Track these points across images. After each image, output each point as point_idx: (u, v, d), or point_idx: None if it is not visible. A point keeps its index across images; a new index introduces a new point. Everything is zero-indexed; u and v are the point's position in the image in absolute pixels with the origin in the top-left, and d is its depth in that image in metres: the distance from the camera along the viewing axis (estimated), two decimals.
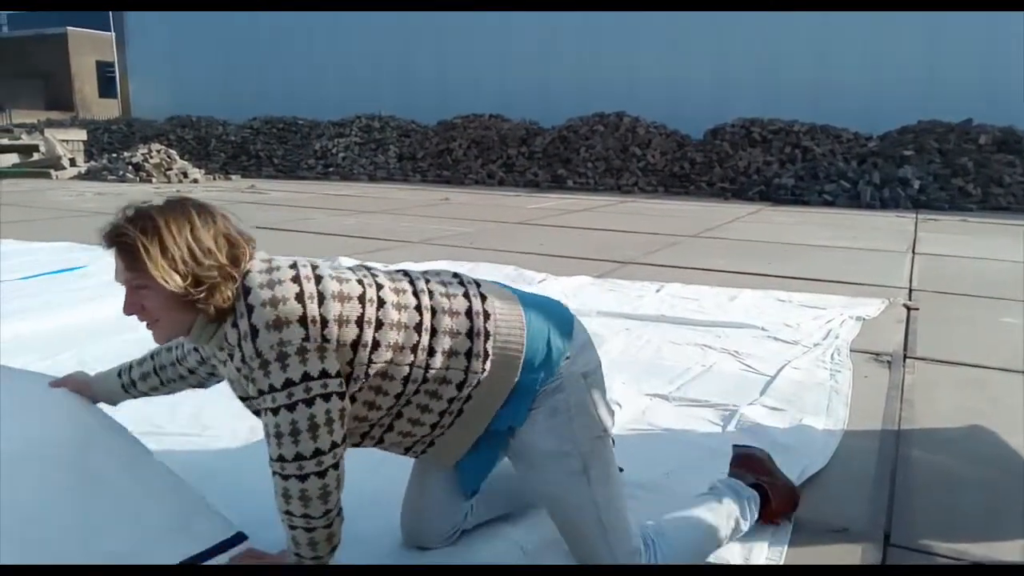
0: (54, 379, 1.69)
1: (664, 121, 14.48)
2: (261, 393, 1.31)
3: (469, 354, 1.43)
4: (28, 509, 1.39)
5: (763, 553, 1.68)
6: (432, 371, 1.41)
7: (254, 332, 1.28)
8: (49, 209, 8.36)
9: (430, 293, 1.45)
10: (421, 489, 1.66)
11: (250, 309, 1.30)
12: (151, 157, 13.31)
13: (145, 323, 1.37)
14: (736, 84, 15.25)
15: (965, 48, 13.79)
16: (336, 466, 1.35)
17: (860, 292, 4.51)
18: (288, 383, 1.28)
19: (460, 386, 1.44)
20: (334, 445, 1.33)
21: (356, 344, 1.33)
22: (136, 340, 3.09)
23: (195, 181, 13.09)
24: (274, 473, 1.34)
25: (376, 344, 1.35)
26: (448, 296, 1.46)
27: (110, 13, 24.20)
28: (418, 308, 1.41)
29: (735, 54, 15.43)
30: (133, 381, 1.67)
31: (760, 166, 12.81)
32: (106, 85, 31.32)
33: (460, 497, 1.64)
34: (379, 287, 1.40)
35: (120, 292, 1.35)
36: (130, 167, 13.00)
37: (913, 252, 6.34)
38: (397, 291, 1.41)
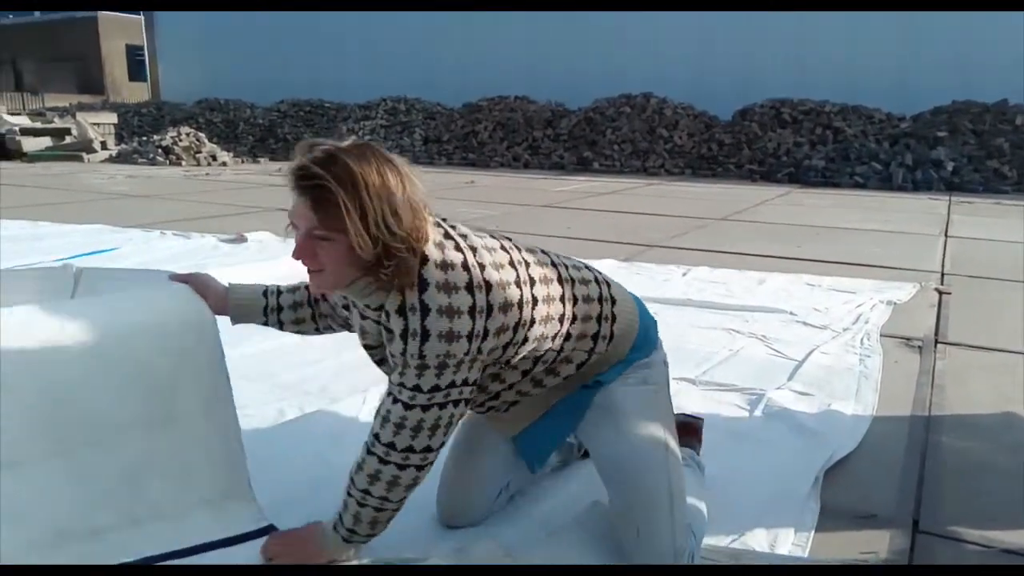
0: (173, 274, 1.62)
1: (691, 102, 14.31)
2: (403, 386, 1.32)
3: (596, 336, 1.48)
4: (98, 411, 1.38)
5: (789, 539, 1.67)
6: (563, 353, 1.46)
7: (424, 336, 1.28)
8: (81, 192, 8.49)
9: (572, 282, 1.47)
10: (471, 463, 1.66)
11: (425, 309, 1.28)
12: (180, 140, 13.44)
13: (307, 268, 1.34)
14: (766, 64, 15.01)
15: (1000, 27, 13.44)
16: (432, 463, 1.40)
17: (891, 276, 4.45)
18: (435, 388, 1.32)
19: (580, 365, 1.49)
20: (441, 445, 1.39)
21: (507, 345, 1.37)
22: None
23: (224, 164, 13.21)
24: (372, 454, 1.37)
25: (524, 341, 1.39)
26: (585, 283, 1.50)
27: None
28: (562, 298, 1.44)
29: (764, 34, 15.17)
30: (280, 306, 1.62)
31: (790, 147, 12.63)
32: (136, 68, 31.61)
33: (507, 471, 1.66)
34: (532, 283, 1.40)
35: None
36: (160, 150, 13.14)
37: (946, 235, 6.23)
38: (546, 282, 1.43)
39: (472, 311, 1.29)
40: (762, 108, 13.63)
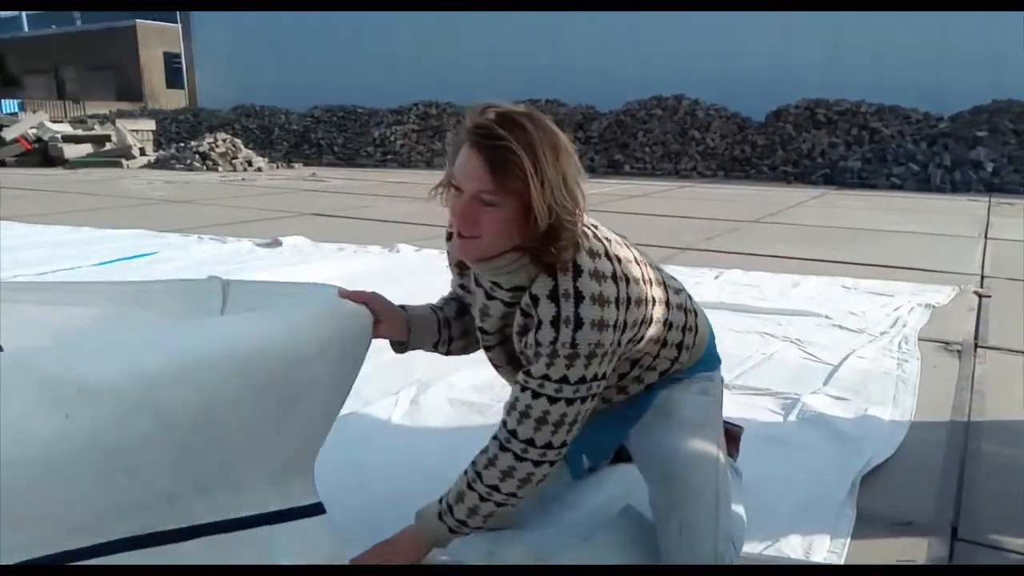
0: (344, 290, 1.46)
1: (724, 103, 14.20)
2: (547, 378, 1.28)
3: (680, 345, 1.48)
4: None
5: (824, 546, 1.65)
6: (656, 359, 1.46)
7: (578, 324, 1.25)
8: (121, 197, 8.67)
9: (670, 289, 1.48)
10: None
11: (579, 296, 1.25)
12: (217, 146, 13.67)
13: (460, 233, 1.28)
14: (799, 65, 14.84)
15: None
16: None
17: (929, 279, 4.37)
18: (581, 380, 1.29)
19: (663, 373, 1.49)
20: (572, 440, 1.36)
21: (630, 341, 1.36)
22: None
23: (259, 170, 13.40)
24: (507, 450, 1.34)
25: (640, 340, 1.39)
26: (677, 291, 1.50)
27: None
28: (666, 303, 1.44)
29: (797, 34, 15.00)
30: (448, 320, 1.55)
31: (825, 149, 12.48)
32: (173, 76, 32.22)
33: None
34: (651, 283, 1.40)
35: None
36: (197, 156, 13.38)
37: (985, 237, 6.10)
38: (659, 284, 1.43)
39: (617, 302, 1.28)
40: (796, 109, 13.48)
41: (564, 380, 1.28)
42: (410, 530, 1.47)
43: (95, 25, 35.82)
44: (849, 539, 1.68)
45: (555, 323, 1.25)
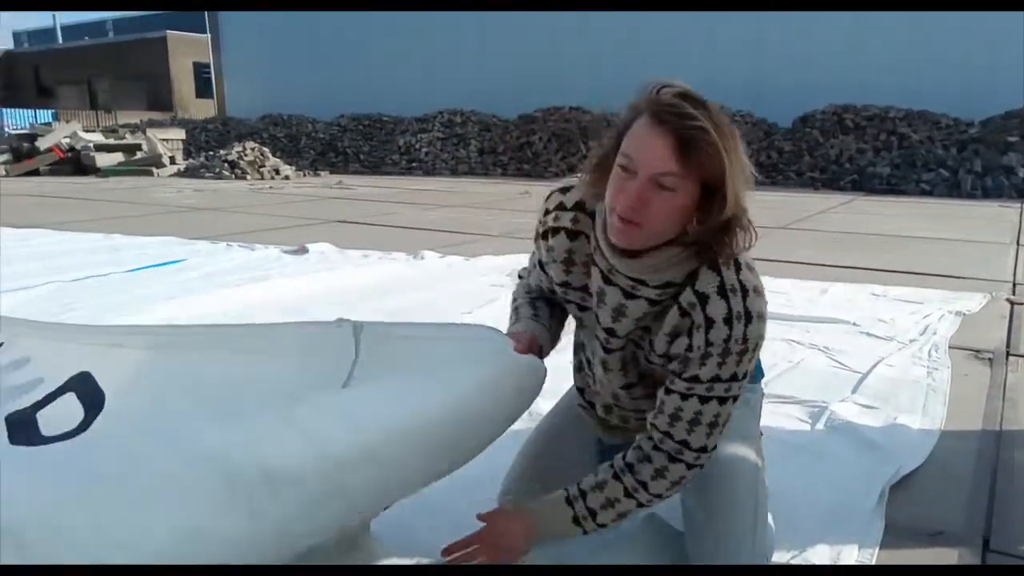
0: (513, 334, 1.42)
1: (750, 109, 14.11)
2: (718, 379, 1.24)
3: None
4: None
5: (852, 556, 1.63)
6: None
7: (748, 317, 1.21)
8: (151, 205, 8.81)
9: None
10: (551, 468, 1.58)
11: (744, 290, 1.21)
12: (245, 155, 13.85)
13: (626, 220, 1.16)
14: (826, 70, 14.68)
15: None
16: None
17: (960, 286, 4.31)
18: (744, 376, 1.26)
19: None
20: None
21: None
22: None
23: (286, 178, 13.55)
24: (679, 461, 1.30)
25: None
26: None
27: (205, 14, 25.21)
28: None
29: (823, 38, 14.85)
30: (554, 329, 1.49)
31: (853, 154, 12.34)
32: (203, 86, 32.74)
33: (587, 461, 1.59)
34: None
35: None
36: (226, 164, 13.56)
37: (1017, 244, 5.99)
38: None
39: (760, 291, 1.25)
40: (823, 114, 13.35)
41: (733, 378, 1.25)
42: (519, 515, 1.39)
43: (127, 36, 36.54)
44: (878, 549, 1.66)
45: (728, 320, 1.20)
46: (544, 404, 2.36)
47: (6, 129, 22.01)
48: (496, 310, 3.69)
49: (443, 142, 15.95)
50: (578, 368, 1.56)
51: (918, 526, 1.76)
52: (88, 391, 1.33)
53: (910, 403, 2.52)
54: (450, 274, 4.60)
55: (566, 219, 1.37)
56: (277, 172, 13.74)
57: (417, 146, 15.97)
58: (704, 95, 1.16)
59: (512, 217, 7.69)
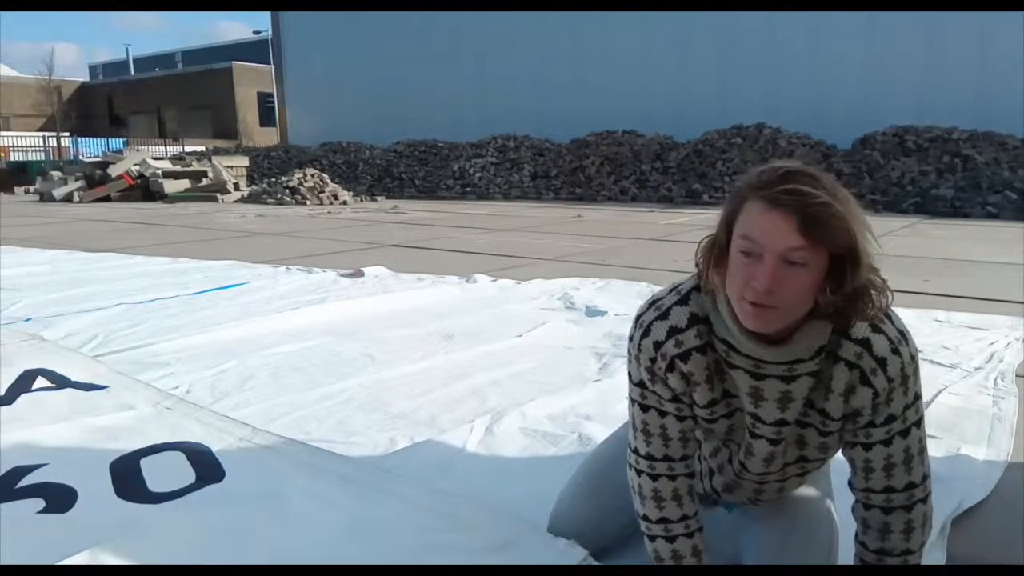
0: None
1: (807, 131, 13.91)
2: (906, 408, 1.25)
3: None
4: None
5: None
6: None
7: (905, 337, 1.24)
8: (215, 230, 9.11)
9: None
10: (609, 477, 1.59)
11: (888, 316, 1.25)
12: (306, 181, 14.22)
13: (761, 304, 1.12)
14: (886, 91, 14.40)
15: None
16: None
17: None
18: (917, 397, 1.27)
19: None
20: None
21: None
22: (294, 352, 3.32)
23: (344, 203, 13.86)
24: (918, 503, 1.29)
25: None
26: None
27: (269, 48, 26.08)
28: None
29: (883, 60, 14.58)
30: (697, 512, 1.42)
31: (915, 176, 12.02)
32: (266, 114, 33.82)
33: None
34: None
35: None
36: (287, 190, 13.94)
37: None
38: None
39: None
40: (884, 136, 13.06)
41: (917, 397, 1.26)
42: None
43: (195, 67, 38.01)
44: None
45: (895, 350, 1.22)
46: (591, 426, 2.38)
47: (80, 157, 23.06)
48: (546, 333, 3.70)
49: (496, 167, 16.12)
50: (707, 474, 1.49)
51: (981, 560, 1.70)
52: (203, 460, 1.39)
53: (975, 433, 2.43)
54: (502, 297, 4.63)
55: (690, 338, 1.27)
56: (336, 197, 14.06)
57: (471, 171, 16.16)
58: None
59: (564, 240, 7.71)
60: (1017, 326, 3.79)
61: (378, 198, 15.30)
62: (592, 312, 4.14)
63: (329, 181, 14.77)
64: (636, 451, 1.38)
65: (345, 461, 2.15)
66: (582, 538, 1.61)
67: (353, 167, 18.18)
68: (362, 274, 5.34)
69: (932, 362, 3.22)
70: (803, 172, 1.12)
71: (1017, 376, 3.02)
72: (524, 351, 3.37)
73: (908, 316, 4.03)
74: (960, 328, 3.80)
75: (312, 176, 14.49)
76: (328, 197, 13.97)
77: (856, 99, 14.64)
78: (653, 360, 1.30)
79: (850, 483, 1.34)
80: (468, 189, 15.74)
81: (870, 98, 14.48)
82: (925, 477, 1.28)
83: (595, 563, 1.57)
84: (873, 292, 1.17)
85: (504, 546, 1.63)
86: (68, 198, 14.87)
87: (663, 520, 1.36)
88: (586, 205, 13.10)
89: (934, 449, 2.29)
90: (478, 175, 15.98)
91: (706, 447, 1.47)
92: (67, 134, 29.09)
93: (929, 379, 2.96)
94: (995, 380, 2.95)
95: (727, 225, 1.17)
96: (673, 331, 1.27)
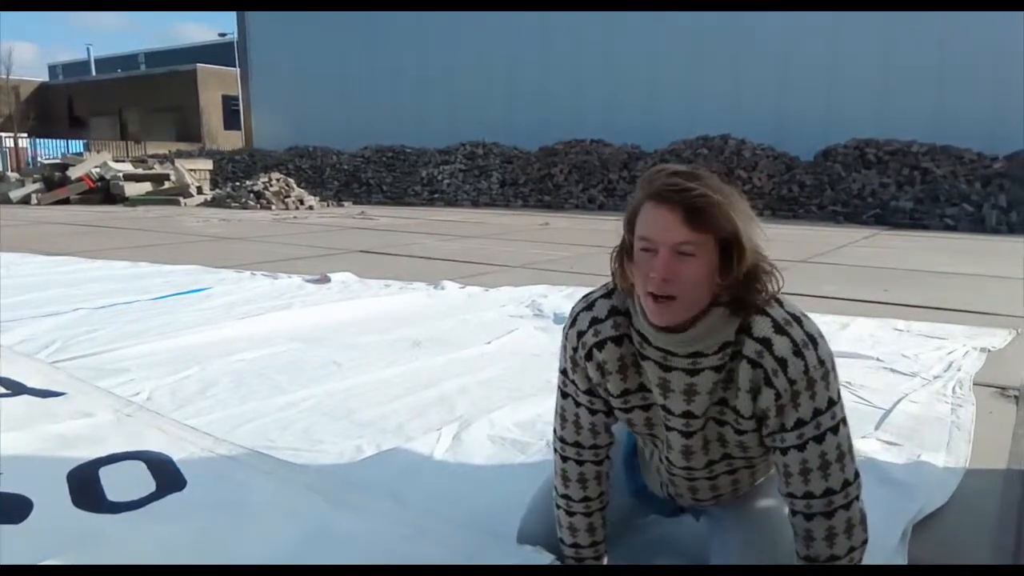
0: None
1: (772, 143, 14.14)
2: (818, 413, 1.26)
3: None
4: None
5: None
6: None
7: (813, 341, 1.25)
8: (178, 234, 8.96)
9: None
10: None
11: (796, 318, 1.27)
12: (271, 185, 14.06)
13: (660, 297, 1.21)
14: (848, 104, 14.71)
15: None
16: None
17: (985, 322, 4.25)
18: (839, 395, 1.29)
19: None
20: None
21: None
22: (258, 358, 3.27)
23: (310, 208, 13.72)
24: (844, 507, 1.30)
25: None
26: None
27: (235, 51, 25.78)
28: None
29: (846, 72, 14.89)
30: (605, 507, 1.51)
31: (875, 188, 12.30)
32: (231, 118, 33.39)
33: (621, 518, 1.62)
34: None
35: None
36: (252, 195, 13.76)
37: None
38: None
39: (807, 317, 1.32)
40: (845, 148, 13.34)
41: (831, 403, 1.27)
42: None
43: (158, 69, 37.41)
44: None
45: (798, 352, 1.24)
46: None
47: (38, 159, 22.52)
48: (515, 340, 3.70)
49: (465, 174, 16.10)
50: (667, 482, 1.52)
51: (943, 564, 1.73)
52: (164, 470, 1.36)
53: (934, 440, 2.48)
54: (470, 304, 4.62)
55: (607, 328, 1.36)
56: (301, 202, 13.92)
57: (439, 177, 16.13)
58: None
59: (532, 248, 7.72)
60: (974, 335, 3.88)
61: (345, 204, 15.18)
62: (560, 319, 4.15)
63: (295, 186, 14.62)
64: (554, 431, 1.51)
65: (309, 471, 2.12)
66: (553, 546, 1.60)
67: (320, 172, 18.02)
68: (328, 280, 5.29)
69: (892, 371, 3.28)
70: (687, 172, 1.22)
71: (975, 384, 3.09)
72: (492, 358, 3.36)
73: (869, 325, 4.11)
74: (919, 337, 3.88)
75: (278, 180, 14.34)
76: (294, 202, 13.83)
77: (819, 112, 14.93)
78: (576, 349, 1.40)
79: (779, 489, 1.37)
80: (436, 196, 15.70)
81: (833, 111, 14.78)
82: (847, 483, 1.29)
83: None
84: (763, 276, 1.24)
85: (469, 557, 1.62)
86: (26, 200, 14.51)
87: (566, 496, 1.48)
88: (554, 213, 13.14)
89: (895, 456, 2.34)
90: (446, 182, 15.95)
91: (645, 449, 1.53)
92: (25, 135, 28.41)
93: (889, 387, 3.03)
94: (953, 388, 3.01)
95: (630, 227, 1.26)
96: (594, 321, 1.37)
